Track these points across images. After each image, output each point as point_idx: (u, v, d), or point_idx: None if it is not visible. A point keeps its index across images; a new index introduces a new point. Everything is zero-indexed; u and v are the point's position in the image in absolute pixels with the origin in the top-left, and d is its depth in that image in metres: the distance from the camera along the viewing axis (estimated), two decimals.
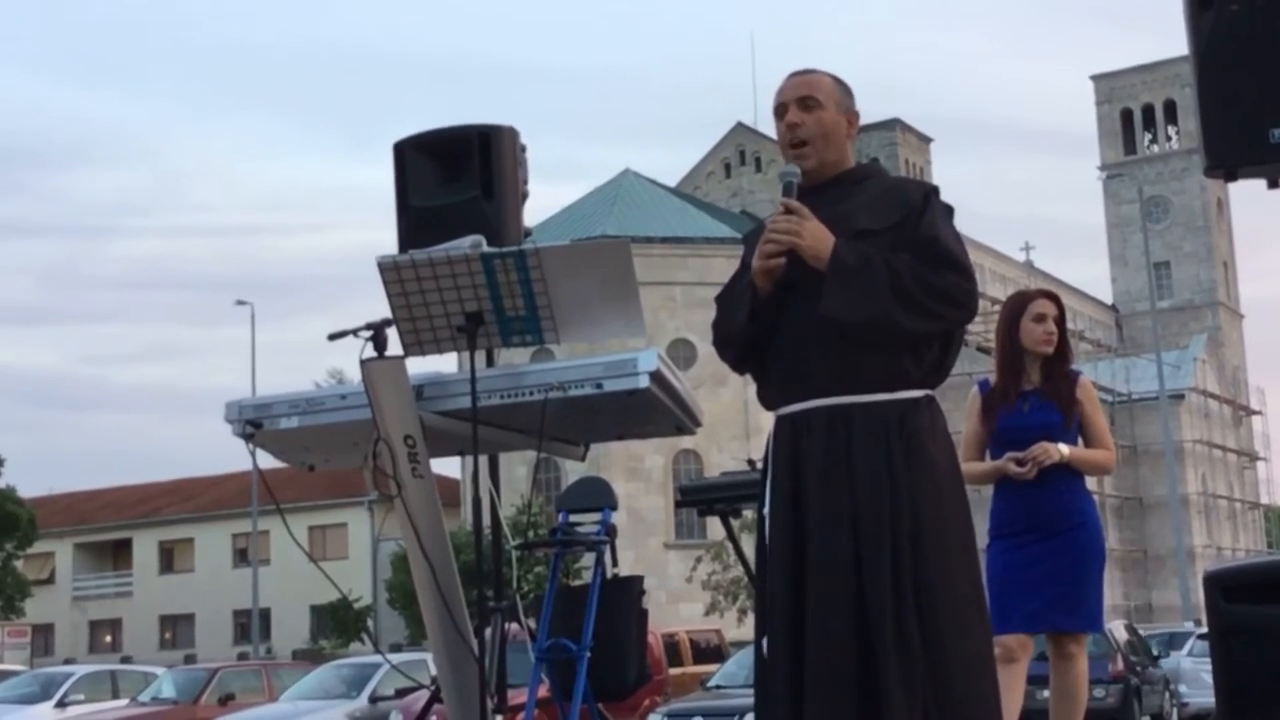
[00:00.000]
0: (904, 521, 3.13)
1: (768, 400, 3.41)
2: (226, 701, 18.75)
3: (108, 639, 58.64)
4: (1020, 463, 4.79)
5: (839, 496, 3.17)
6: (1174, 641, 23.73)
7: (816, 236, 3.23)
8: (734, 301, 3.40)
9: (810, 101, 3.38)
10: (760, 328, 3.34)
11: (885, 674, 3.05)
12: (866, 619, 3.09)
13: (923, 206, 3.28)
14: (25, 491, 48.52)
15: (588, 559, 5.24)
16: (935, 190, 3.35)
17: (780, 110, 3.42)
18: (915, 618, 3.09)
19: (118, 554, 60.52)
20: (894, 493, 3.15)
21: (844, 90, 3.46)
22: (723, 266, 48.57)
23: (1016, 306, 5.00)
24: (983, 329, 45.04)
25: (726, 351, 3.46)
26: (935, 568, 3.13)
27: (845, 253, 3.20)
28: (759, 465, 6.22)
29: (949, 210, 3.36)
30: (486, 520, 4.60)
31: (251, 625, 44.20)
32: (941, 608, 3.11)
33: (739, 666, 19.41)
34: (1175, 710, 20.76)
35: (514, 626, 4.54)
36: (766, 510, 3.31)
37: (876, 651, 3.07)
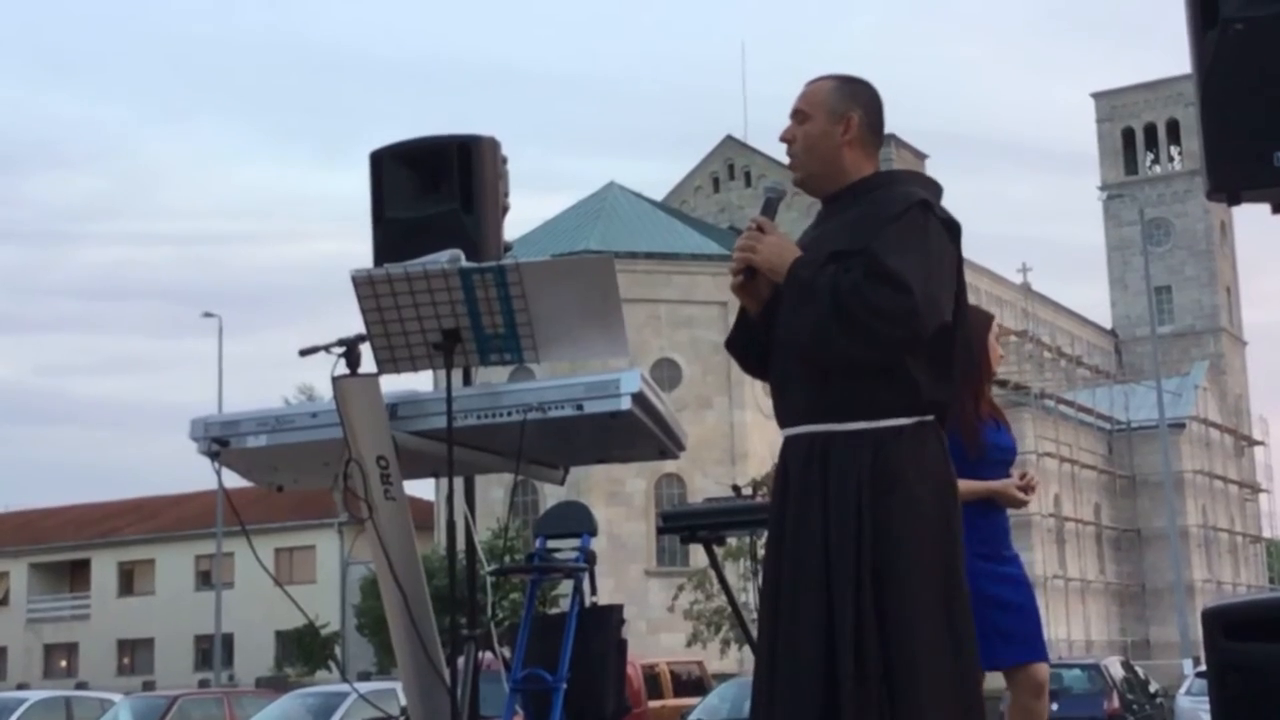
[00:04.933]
0: (865, 553, 3.14)
1: (776, 420, 3.48)
2: None
3: (63, 664, 58.28)
4: (1024, 489, 4.82)
5: (812, 522, 3.21)
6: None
7: (775, 251, 3.26)
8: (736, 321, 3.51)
9: (800, 114, 3.41)
10: (759, 346, 3.39)
11: (844, 702, 3.08)
12: (833, 645, 3.12)
13: (889, 223, 3.22)
14: None
15: (565, 586, 5.24)
16: (922, 203, 3.26)
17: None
18: (878, 648, 3.10)
19: (75, 575, 60.19)
20: (859, 524, 3.16)
21: (843, 94, 3.39)
22: (709, 284, 48.67)
23: (986, 322, 5.02)
24: None
25: (740, 363, 3.56)
26: (899, 600, 3.13)
27: (801, 269, 3.22)
28: (745, 491, 6.25)
29: (950, 225, 3.28)
30: (461, 544, 4.59)
31: (214, 651, 44.00)
32: (907, 641, 3.11)
33: (721, 699, 19.39)
34: None
35: (488, 655, 4.53)
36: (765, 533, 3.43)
37: (839, 678, 3.10)
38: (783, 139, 3.42)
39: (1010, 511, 4.92)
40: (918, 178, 3.48)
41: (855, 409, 3.21)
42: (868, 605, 3.12)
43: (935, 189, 3.39)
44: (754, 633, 3.51)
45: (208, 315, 43.27)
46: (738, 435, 48.37)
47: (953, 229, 3.30)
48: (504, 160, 5.23)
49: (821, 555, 3.17)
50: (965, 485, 4.77)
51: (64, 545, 59.73)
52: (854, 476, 3.18)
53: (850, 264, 3.17)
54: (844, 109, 3.38)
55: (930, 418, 3.27)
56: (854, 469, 3.18)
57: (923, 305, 3.12)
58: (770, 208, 3.38)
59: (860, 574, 3.13)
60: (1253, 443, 76.78)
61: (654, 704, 19.62)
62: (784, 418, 3.35)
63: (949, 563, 3.22)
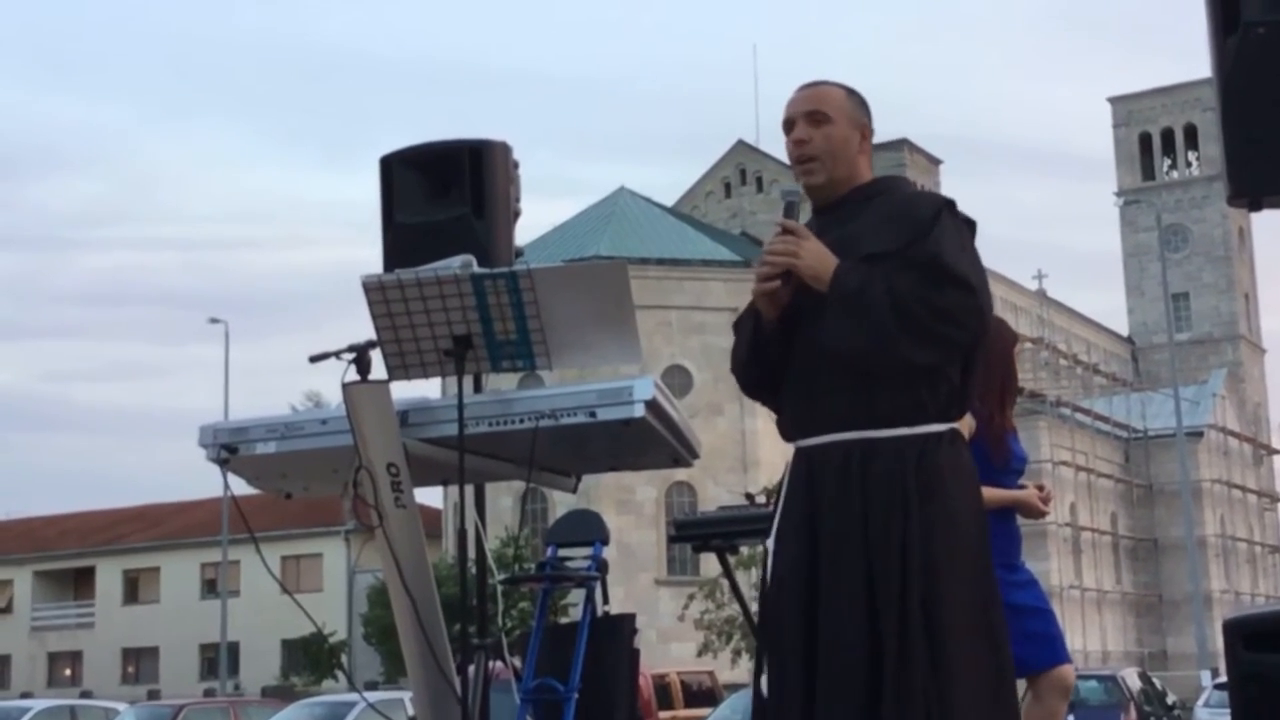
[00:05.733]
0: (915, 550, 3.14)
1: (784, 432, 3.41)
2: None
3: (67, 672, 58.37)
4: (1043, 500, 4.86)
5: (851, 522, 3.18)
6: None
7: (817, 257, 3.22)
8: (742, 329, 3.42)
9: (819, 116, 3.36)
10: (768, 356, 3.34)
11: (892, 696, 3.07)
12: (878, 639, 3.11)
13: (931, 224, 3.24)
14: None
15: (576, 595, 5.24)
16: (949, 204, 3.30)
17: (788, 125, 3.41)
18: (924, 641, 3.10)
19: (79, 583, 60.30)
20: (907, 523, 3.15)
21: (856, 103, 3.42)
22: (721, 290, 48.67)
23: (1011, 337, 5.10)
24: None
25: (740, 379, 3.49)
26: (946, 594, 3.13)
27: (847, 276, 3.19)
28: (758, 499, 6.24)
29: (969, 225, 3.32)
30: (471, 553, 4.60)
31: (219, 660, 44.03)
32: (950, 635, 3.12)
33: (732, 710, 19.36)
34: None
35: (498, 665, 4.53)
36: (772, 542, 3.32)
37: (885, 671, 3.09)
38: (798, 139, 3.36)
39: (1025, 521, 4.96)
40: (910, 182, 3.55)
41: (899, 415, 3.20)
42: (914, 599, 3.11)
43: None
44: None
45: (214, 321, 43.39)
46: (749, 443, 48.32)
47: (973, 228, 3.34)
48: (515, 165, 5.23)
49: (861, 551, 3.15)
50: (989, 494, 4.80)
51: (68, 553, 59.84)
52: (899, 482, 3.17)
53: (891, 266, 3.17)
54: (860, 117, 3.41)
55: (958, 424, 3.30)
56: (899, 475, 3.18)
57: (986, 305, 3.19)
58: (792, 211, 3.32)
59: (909, 567, 3.13)
60: (1271, 451, 76.61)
61: (664, 714, 19.62)
62: (810, 427, 3.29)
63: (987, 569, 3.25)
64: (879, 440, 3.21)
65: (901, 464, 3.18)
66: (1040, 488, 4.93)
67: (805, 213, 3.41)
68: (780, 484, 3.41)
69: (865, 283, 3.16)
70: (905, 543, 3.15)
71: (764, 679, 3.29)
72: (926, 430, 3.21)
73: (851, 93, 3.44)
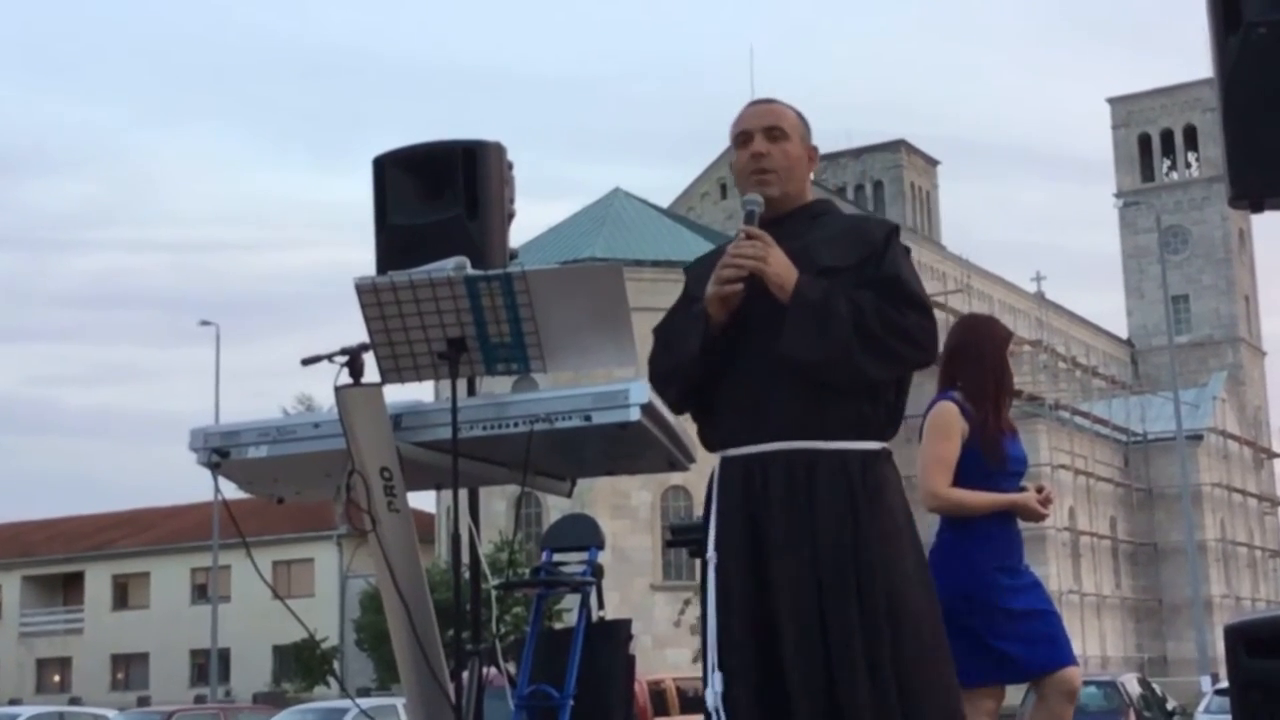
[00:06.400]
0: (865, 550, 3.22)
1: (712, 441, 3.45)
2: None
3: (56, 679, 58.30)
4: (1042, 502, 4.85)
5: (801, 536, 3.24)
6: None
7: (783, 264, 3.31)
8: (679, 333, 3.45)
9: (776, 132, 3.50)
10: (710, 362, 3.38)
11: (857, 696, 3.13)
12: (831, 639, 3.18)
13: (884, 246, 3.38)
14: None
15: (571, 600, 5.23)
16: (896, 229, 3.47)
17: (743, 138, 3.52)
18: (885, 642, 3.17)
19: (68, 588, 60.25)
20: (856, 527, 3.23)
21: (805, 125, 3.58)
22: None
23: (1005, 336, 5.08)
24: None
25: (668, 387, 3.53)
26: (898, 594, 3.22)
27: (808, 288, 3.28)
28: None
29: (907, 251, 3.46)
30: (465, 558, 4.59)
31: (210, 666, 43.97)
32: (907, 635, 3.20)
33: None
34: None
35: (492, 671, 4.52)
36: (711, 554, 3.34)
37: (844, 673, 3.15)
38: (756, 152, 3.48)
39: (1025, 525, 4.94)
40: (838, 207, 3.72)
41: (843, 428, 3.30)
42: (868, 599, 3.19)
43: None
44: None
45: (204, 324, 43.34)
46: None
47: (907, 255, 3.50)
48: (510, 166, 5.23)
49: (810, 556, 3.22)
50: (987, 498, 4.80)
51: (57, 558, 59.79)
52: (847, 495, 3.25)
53: (845, 282, 3.29)
54: (808, 140, 3.58)
55: (889, 445, 3.41)
56: (846, 486, 3.26)
57: (936, 329, 3.33)
58: (753, 220, 3.41)
59: (861, 569, 3.21)
60: (1272, 455, 76.73)
61: None
62: (753, 434, 3.34)
63: (931, 587, 3.36)
64: (825, 452, 3.28)
65: (848, 476, 3.27)
66: (1040, 489, 4.92)
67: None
68: (708, 495, 3.44)
69: (828, 295, 3.27)
70: (857, 560, 3.22)
71: (709, 692, 3.29)
72: (868, 446, 3.32)
73: (801, 115, 3.59)
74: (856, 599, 3.19)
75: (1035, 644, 4.71)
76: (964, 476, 4.76)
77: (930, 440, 4.81)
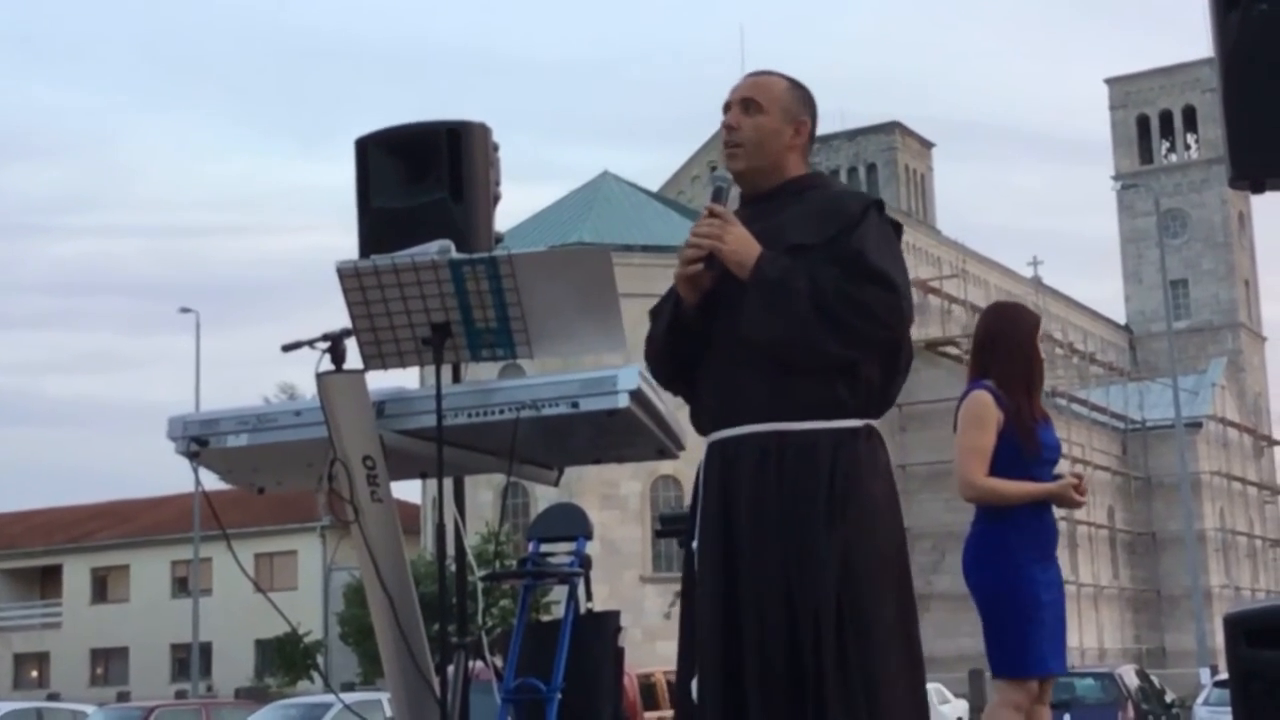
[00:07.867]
0: (834, 561, 3.20)
1: (699, 425, 3.47)
2: None
3: (34, 674, 58.25)
4: (1078, 490, 4.87)
5: (768, 528, 3.24)
6: None
7: (742, 242, 3.30)
8: (659, 314, 3.50)
9: (751, 104, 3.47)
10: (683, 342, 3.41)
11: (824, 698, 3.13)
12: (800, 644, 3.17)
13: (858, 220, 3.34)
14: None
15: (558, 592, 5.23)
16: (877, 204, 3.42)
17: (726, 108, 3.52)
18: (844, 654, 3.17)
19: (45, 582, 60.14)
20: (828, 531, 3.21)
21: (796, 98, 3.52)
22: None
23: (1034, 322, 5.09)
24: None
25: (657, 369, 3.55)
26: (866, 596, 3.21)
27: (769, 265, 3.27)
28: None
29: (895, 227, 3.44)
30: (450, 549, 4.59)
31: (191, 660, 43.97)
32: (871, 636, 3.20)
33: None
34: None
35: (478, 665, 4.52)
36: (695, 544, 3.36)
37: (811, 674, 3.15)
38: (728, 124, 3.47)
39: None
40: (839, 181, 3.71)
41: (814, 409, 3.27)
42: (835, 603, 3.18)
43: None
44: None
45: (184, 310, 43.22)
46: None
47: (898, 231, 3.47)
48: (495, 147, 5.21)
49: (780, 570, 3.21)
50: (1024, 488, 4.83)
51: (34, 550, 59.66)
52: (815, 478, 3.24)
53: (814, 259, 3.26)
54: (797, 112, 3.51)
55: (876, 422, 3.37)
56: (814, 470, 3.24)
57: (906, 304, 3.27)
58: (720, 196, 3.41)
59: (828, 571, 3.19)
60: (1272, 443, 76.93)
61: (650, 715, 19.63)
62: (727, 417, 3.34)
63: (906, 578, 3.36)
64: (794, 433, 3.27)
65: (816, 459, 3.25)
66: (1078, 477, 4.92)
67: (735, 200, 3.50)
68: (696, 482, 3.46)
69: (787, 273, 3.25)
70: (824, 555, 3.20)
71: (694, 683, 3.30)
72: (842, 425, 3.29)
73: (796, 86, 3.54)
74: (816, 586, 3.18)
75: (1056, 642, 4.77)
76: (1000, 465, 4.79)
77: (965, 430, 4.84)
